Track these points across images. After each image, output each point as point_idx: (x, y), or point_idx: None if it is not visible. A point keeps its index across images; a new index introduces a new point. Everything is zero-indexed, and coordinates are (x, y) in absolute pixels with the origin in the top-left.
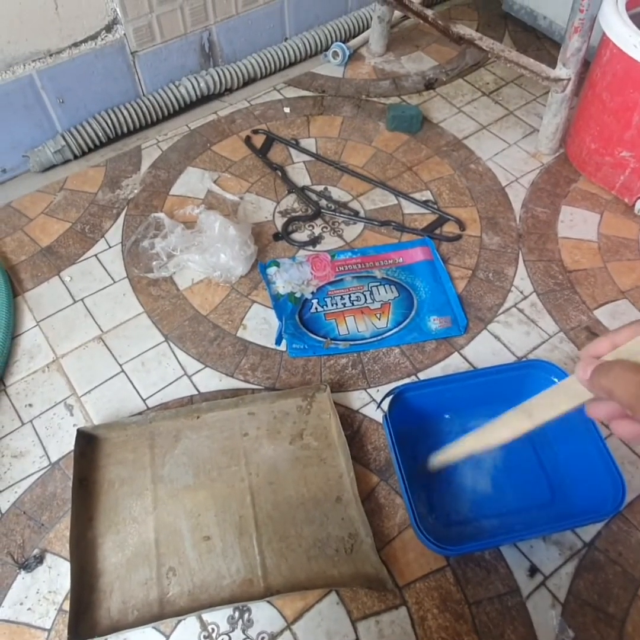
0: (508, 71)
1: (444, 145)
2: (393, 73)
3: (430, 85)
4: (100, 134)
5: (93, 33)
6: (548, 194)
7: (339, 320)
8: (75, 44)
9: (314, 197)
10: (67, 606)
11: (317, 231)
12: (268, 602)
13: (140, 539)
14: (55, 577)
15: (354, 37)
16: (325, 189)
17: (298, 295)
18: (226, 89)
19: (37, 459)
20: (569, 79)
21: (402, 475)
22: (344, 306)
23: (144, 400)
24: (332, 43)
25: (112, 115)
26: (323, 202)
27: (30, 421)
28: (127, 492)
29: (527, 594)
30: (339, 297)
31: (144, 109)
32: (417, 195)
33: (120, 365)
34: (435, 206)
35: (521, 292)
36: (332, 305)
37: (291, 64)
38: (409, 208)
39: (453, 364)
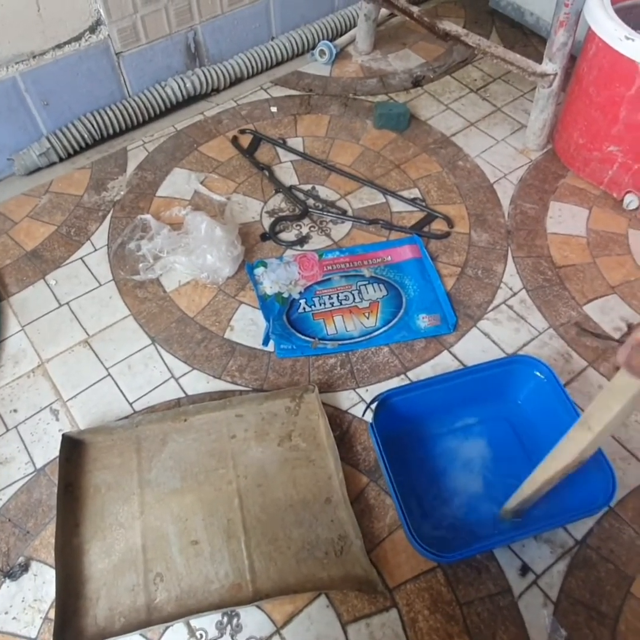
0: (495, 67)
1: (431, 142)
2: (380, 71)
3: (417, 82)
4: (85, 136)
5: (76, 34)
6: (536, 189)
7: (327, 320)
8: (59, 46)
9: (301, 196)
10: (52, 614)
11: (304, 231)
12: (257, 606)
13: (127, 545)
14: (40, 585)
15: (341, 35)
16: (313, 188)
17: (285, 295)
18: (213, 89)
19: (23, 465)
20: (555, 74)
21: (393, 485)
22: (332, 306)
23: (130, 404)
24: (318, 42)
25: (98, 117)
26: (311, 202)
27: (15, 427)
28: (113, 497)
29: (519, 594)
30: (327, 297)
31: (130, 110)
32: (405, 193)
33: (107, 369)
34: (424, 204)
35: (510, 289)
36: (320, 305)
37: (278, 64)
38: (397, 206)
39: (442, 362)
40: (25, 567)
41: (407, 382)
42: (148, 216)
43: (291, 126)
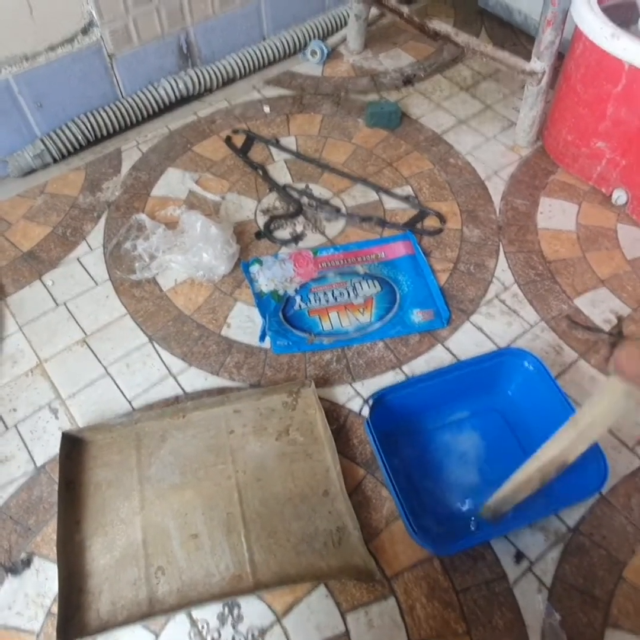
0: (485, 66)
1: (423, 140)
2: (371, 70)
3: (408, 81)
4: (79, 137)
5: (69, 36)
6: (527, 186)
7: (323, 316)
8: (52, 48)
9: (295, 194)
10: (55, 609)
11: (299, 228)
12: (257, 597)
13: (128, 540)
14: (43, 580)
15: (332, 35)
16: (307, 186)
17: (281, 292)
18: (205, 90)
19: (23, 464)
20: (543, 72)
21: (392, 482)
22: (327, 302)
23: (129, 402)
24: (310, 42)
25: (91, 119)
26: (304, 200)
27: (15, 426)
28: (114, 494)
29: (514, 580)
30: (322, 294)
31: (123, 111)
32: (397, 191)
33: (105, 368)
34: (416, 201)
35: (502, 284)
36: (316, 301)
37: (270, 63)
38: (390, 203)
39: (437, 356)
40: (27, 563)
41: (402, 376)
42: (143, 216)
43: (284, 125)
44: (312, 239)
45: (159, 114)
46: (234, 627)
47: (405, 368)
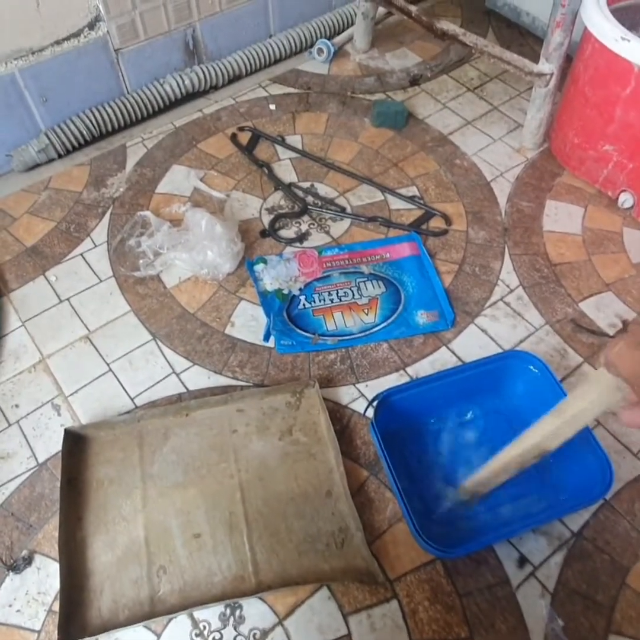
0: (492, 67)
1: (429, 140)
2: (378, 69)
3: (415, 81)
4: (84, 133)
5: (76, 31)
6: (533, 188)
7: (327, 316)
8: (58, 42)
9: (300, 193)
10: (56, 607)
11: (304, 228)
12: (259, 598)
13: (130, 538)
14: (44, 578)
15: (339, 34)
16: (312, 185)
17: (285, 291)
18: (211, 87)
19: (25, 460)
20: (551, 74)
21: (397, 485)
22: (332, 302)
23: (132, 399)
24: (316, 40)
25: (96, 114)
26: (310, 199)
27: (17, 422)
28: (116, 491)
29: (517, 585)
30: (327, 293)
31: (129, 107)
32: (403, 191)
33: (108, 365)
34: (422, 201)
35: (507, 286)
36: (320, 301)
37: (276, 61)
38: (395, 204)
39: (441, 357)
40: (28, 561)
41: (406, 377)
42: (148, 213)
43: (290, 124)
44: (317, 239)
45: (164, 110)
46: (235, 628)
47: (409, 369)
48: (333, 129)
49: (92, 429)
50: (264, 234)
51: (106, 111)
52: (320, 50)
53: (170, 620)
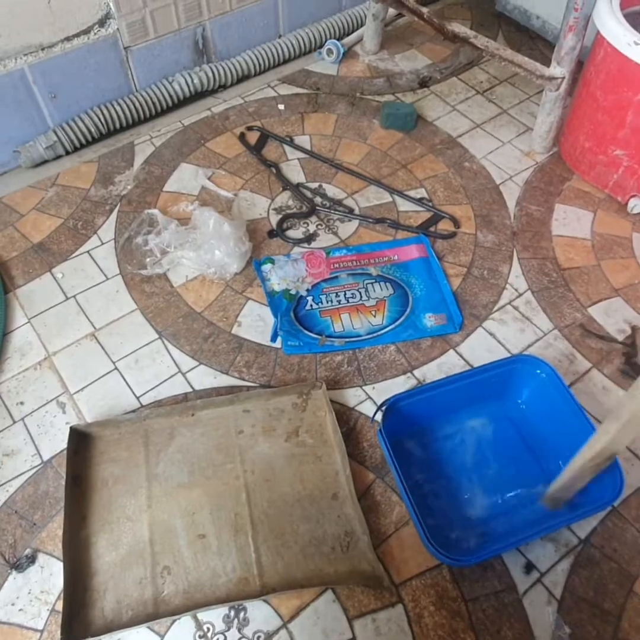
0: (502, 70)
1: (438, 143)
2: (387, 71)
3: (424, 83)
4: (92, 130)
5: (86, 27)
6: (542, 192)
7: (334, 318)
8: (68, 39)
9: (308, 194)
10: (59, 606)
11: (311, 228)
12: (264, 600)
13: (135, 538)
14: (47, 577)
15: (348, 34)
16: (320, 186)
17: (293, 292)
18: (220, 86)
19: (29, 458)
20: (563, 78)
21: (407, 492)
22: (339, 303)
23: (137, 398)
24: (326, 41)
25: (105, 111)
26: (318, 200)
27: (22, 419)
28: (121, 491)
29: (524, 591)
30: (334, 294)
31: (137, 104)
32: (411, 193)
33: (114, 363)
34: (430, 204)
35: (516, 290)
36: (327, 302)
37: (285, 61)
38: (403, 205)
39: (448, 361)
40: (32, 559)
41: (414, 380)
42: (155, 211)
43: (298, 124)
44: (325, 239)
45: (172, 108)
46: (239, 630)
47: (416, 372)
48: (342, 130)
49: (98, 427)
50: (271, 234)
51: (115, 109)
52: (329, 51)
53: (173, 621)
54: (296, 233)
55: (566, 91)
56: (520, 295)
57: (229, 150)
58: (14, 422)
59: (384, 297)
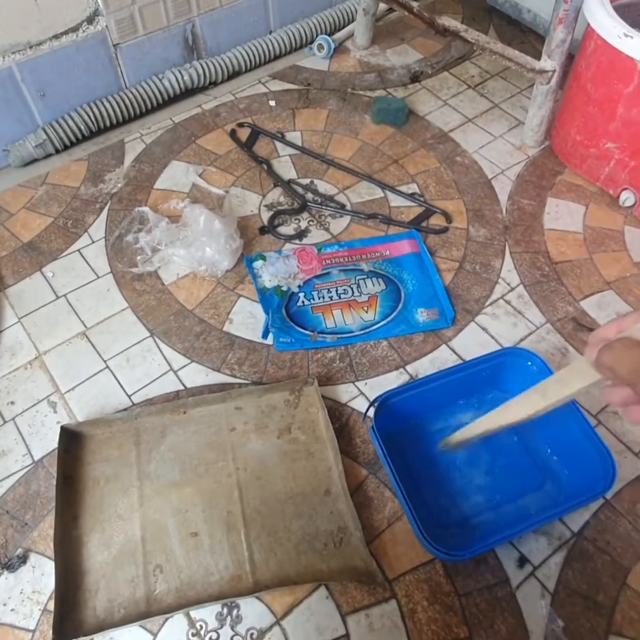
0: (493, 64)
1: (429, 138)
2: (378, 66)
3: (415, 78)
4: (82, 128)
5: (74, 25)
6: (534, 186)
7: (326, 314)
8: (56, 36)
9: (300, 190)
10: (51, 606)
11: (303, 224)
12: (257, 597)
13: (126, 537)
14: (39, 576)
15: (339, 30)
16: (312, 182)
17: (285, 288)
18: (210, 82)
19: (20, 457)
20: (553, 71)
21: (401, 489)
22: (331, 299)
23: (129, 397)
24: (317, 36)
25: (95, 109)
26: (309, 196)
27: (13, 419)
28: (112, 490)
29: (517, 585)
30: (326, 291)
31: (127, 102)
32: (403, 188)
33: (105, 361)
34: (422, 199)
35: (508, 284)
36: (319, 298)
37: (276, 57)
38: (395, 201)
39: (441, 356)
40: (23, 559)
41: (406, 375)
42: (146, 208)
43: (289, 120)
44: (317, 236)
45: (163, 105)
46: (232, 627)
47: (409, 368)
48: (333, 126)
49: (89, 426)
50: (263, 230)
51: (104, 106)
52: (320, 46)
53: (166, 619)
54: (287, 229)
55: (557, 84)
56: (512, 289)
57: (220, 147)
58: (5, 422)
59: (376, 292)
